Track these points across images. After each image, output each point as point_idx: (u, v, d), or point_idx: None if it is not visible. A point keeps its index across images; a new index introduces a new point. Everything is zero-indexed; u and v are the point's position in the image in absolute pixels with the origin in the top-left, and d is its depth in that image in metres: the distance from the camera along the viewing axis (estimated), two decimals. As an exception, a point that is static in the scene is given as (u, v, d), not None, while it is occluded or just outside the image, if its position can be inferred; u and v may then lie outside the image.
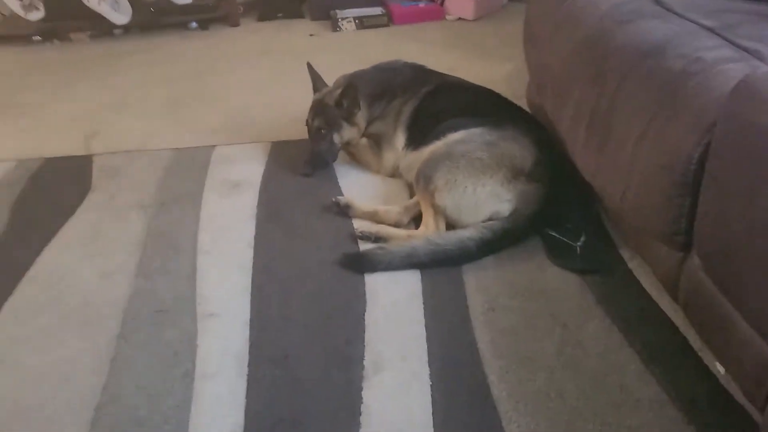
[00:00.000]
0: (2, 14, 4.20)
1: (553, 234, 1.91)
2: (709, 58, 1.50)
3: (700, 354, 1.51)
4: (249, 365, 1.55)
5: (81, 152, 2.65)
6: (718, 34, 1.67)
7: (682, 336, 1.56)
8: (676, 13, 1.85)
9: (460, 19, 4.06)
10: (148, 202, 2.26)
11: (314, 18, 4.20)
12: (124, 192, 2.33)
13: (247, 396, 1.47)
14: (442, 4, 4.13)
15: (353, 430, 1.38)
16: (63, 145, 2.71)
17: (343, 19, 4.01)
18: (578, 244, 1.87)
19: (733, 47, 1.58)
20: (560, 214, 1.98)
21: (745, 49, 1.55)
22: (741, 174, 1.23)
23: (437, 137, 2.10)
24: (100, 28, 4.05)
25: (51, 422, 1.43)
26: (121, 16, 3.92)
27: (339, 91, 2.31)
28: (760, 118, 1.20)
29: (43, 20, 3.95)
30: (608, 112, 1.70)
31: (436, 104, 2.27)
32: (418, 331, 1.64)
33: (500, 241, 1.87)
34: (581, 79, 1.87)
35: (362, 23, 4.01)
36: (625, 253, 1.86)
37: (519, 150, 1.96)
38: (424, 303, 1.73)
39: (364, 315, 1.70)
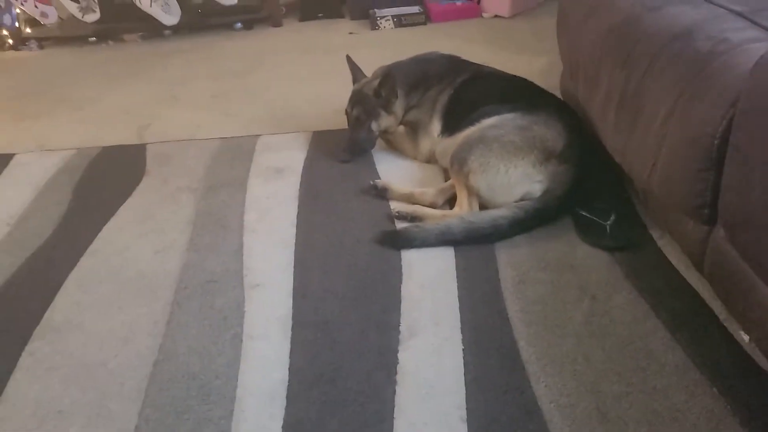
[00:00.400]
0: (60, 18, 4.45)
1: (584, 213, 1.97)
2: (735, 39, 1.56)
3: (725, 323, 1.56)
4: (292, 329, 1.66)
5: (135, 141, 2.81)
6: (746, 18, 1.72)
7: (708, 307, 1.61)
8: (705, -1, 1.90)
9: (496, 16, 4.14)
10: (198, 186, 2.40)
11: (354, 17, 4.32)
12: (175, 177, 2.48)
13: (291, 355, 1.58)
14: (479, 2, 4.21)
15: (389, 387, 1.47)
16: (118, 135, 2.88)
17: (381, 17, 4.12)
18: (608, 223, 1.92)
19: (761, 29, 1.63)
20: (591, 194, 2.04)
21: (773, 31, 1.60)
22: (762, 145, 1.29)
23: (471, 123, 2.18)
24: (151, 29, 4.25)
25: (114, 376, 1.57)
26: (170, 17, 4.11)
27: (377, 81, 2.42)
28: (780, 91, 1.26)
29: (98, 22, 4.18)
30: (637, 93, 1.76)
31: (470, 92, 2.35)
32: (451, 301, 1.72)
33: (532, 220, 1.94)
34: (612, 63, 1.93)
35: (400, 21, 4.11)
36: (655, 232, 1.91)
37: (550, 133, 2.03)
38: (457, 276, 1.81)
39: (400, 287, 1.79)
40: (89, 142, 2.81)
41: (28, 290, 1.90)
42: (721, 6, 1.82)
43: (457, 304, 1.71)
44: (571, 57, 2.33)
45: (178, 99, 3.26)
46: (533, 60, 3.30)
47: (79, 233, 2.15)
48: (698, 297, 1.65)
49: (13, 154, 2.73)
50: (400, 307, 1.72)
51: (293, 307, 1.74)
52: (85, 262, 2.01)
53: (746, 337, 1.49)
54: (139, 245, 2.08)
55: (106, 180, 2.51)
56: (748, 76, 1.36)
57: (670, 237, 1.83)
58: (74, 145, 2.78)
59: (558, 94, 2.55)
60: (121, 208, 2.29)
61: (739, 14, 1.75)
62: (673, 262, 1.78)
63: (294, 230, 2.08)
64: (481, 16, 4.18)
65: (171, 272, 1.93)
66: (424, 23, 4.14)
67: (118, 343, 1.67)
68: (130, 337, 1.69)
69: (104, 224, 2.19)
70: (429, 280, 1.81)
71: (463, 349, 1.56)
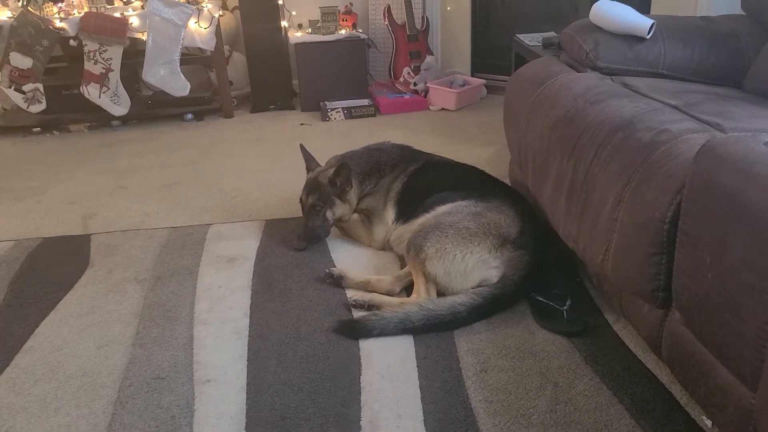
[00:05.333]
0: (4, 108, 4.37)
1: (540, 299, 1.99)
2: (674, 130, 1.65)
3: (686, 408, 1.55)
4: (246, 428, 1.57)
5: (79, 232, 2.72)
6: (681, 111, 1.84)
7: (668, 392, 1.61)
8: (642, 94, 2.03)
9: (443, 109, 4.31)
10: (145, 277, 2.31)
11: (305, 109, 4.42)
12: (121, 267, 2.39)
13: (245, 457, 1.48)
14: (426, 95, 4.39)
15: (352, 488, 1.39)
16: (61, 225, 2.78)
17: (332, 109, 4.23)
18: (564, 308, 1.93)
19: (696, 121, 1.74)
20: (546, 280, 2.06)
21: (707, 123, 1.72)
22: (710, 228, 1.34)
23: (426, 210, 2.21)
24: (99, 119, 4.22)
25: (46, 486, 1.42)
26: (120, 108, 4.09)
27: (332, 170, 2.44)
28: (722, 177, 1.32)
29: (43, 113, 4.10)
30: (586, 181, 1.83)
31: (423, 180, 2.40)
32: (412, 391, 1.67)
33: (490, 306, 1.93)
34: (559, 154, 2.01)
35: (350, 113, 4.23)
36: (610, 316, 1.93)
37: (504, 219, 2.07)
38: (417, 366, 1.77)
39: (359, 378, 1.73)
40: (29, 233, 2.71)
41: (-47, 394, 1.75)
42: (657, 100, 1.95)
43: (419, 395, 1.65)
44: (519, 148, 2.42)
45: (126, 189, 3.19)
46: (480, 150, 3.42)
47: (13, 330, 2.02)
48: (658, 381, 1.65)
49: (-54, 247, 2.59)
50: (360, 399, 1.65)
51: (247, 403, 1.65)
52: (20, 361, 1.87)
53: (709, 422, 1.49)
54: (80, 340, 1.96)
55: (45, 272, 2.38)
56: (691, 164, 1.43)
57: (626, 321, 1.85)
58: (13, 237, 2.67)
59: (507, 182, 2.63)
60: (62, 301, 2.17)
61: (675, 107, 1.87)
62: (630, 346, 1.79)
63: (247, 320, 2.01)
64: (428, 109, 4.35)
65: (115, 368, 1.82)
66: (374, 115, 4.26)
67: (53, 449, 1.54)
68: (67, 442, 1.56)
69: (42, 319, 2.07)
70: (389, 369, 1.76)
71: (427, 443, 1.49)
